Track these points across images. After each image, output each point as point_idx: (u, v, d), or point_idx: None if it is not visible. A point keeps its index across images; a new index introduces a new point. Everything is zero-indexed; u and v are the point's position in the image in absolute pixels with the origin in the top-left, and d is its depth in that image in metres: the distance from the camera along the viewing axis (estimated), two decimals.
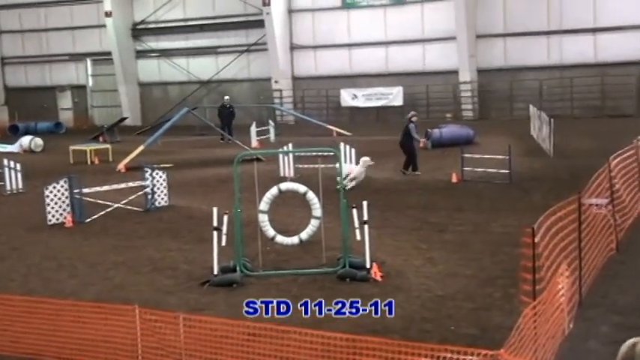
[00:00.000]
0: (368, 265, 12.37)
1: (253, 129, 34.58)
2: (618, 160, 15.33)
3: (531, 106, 34.94)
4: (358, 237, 12.60)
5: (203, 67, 50.94)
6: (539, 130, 29.66)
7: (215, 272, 12.47)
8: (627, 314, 10.18)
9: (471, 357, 6.56)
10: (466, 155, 22.84)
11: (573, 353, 8.86)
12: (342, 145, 23.14)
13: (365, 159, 21.37)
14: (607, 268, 12.26)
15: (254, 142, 33.91)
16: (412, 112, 25.04)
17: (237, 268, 12.58)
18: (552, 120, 26.20)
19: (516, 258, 11.40)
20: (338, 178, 14.50)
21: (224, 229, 12.48)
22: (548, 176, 22.01)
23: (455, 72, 43.72)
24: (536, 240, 8.66)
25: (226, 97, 40.31)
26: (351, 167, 21.59)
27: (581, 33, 41.15)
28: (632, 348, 3.99)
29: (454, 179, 21.81)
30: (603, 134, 31.07)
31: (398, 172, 24.22)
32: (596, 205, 12.74)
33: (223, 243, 12.49)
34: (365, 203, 12.52)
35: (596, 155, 23.73)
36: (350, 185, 20.64)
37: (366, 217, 12.46)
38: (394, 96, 45.52)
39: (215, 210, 12.55)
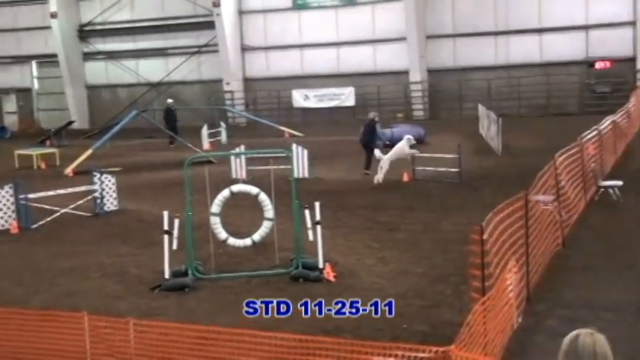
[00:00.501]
0: (321, 266, 12.40)
1: (204, 131, 34.36)
2: (563, 157, 15.65)
3: (480, 106, 35.43)
4: (311, 237, 12.62)
5: (153, 69, 50.43)
6: (488, 129, 30.09)
7: (166, 276, 12.38)
8: (573, 307, 10.40)
9: (422, 354, 6.62)
10: (417, 154, 23.02)
11: (521, 347, 9.02)
12: (294, 146, 23.15)
13: (408, 136, 22.51)
14: (553, 263, 12.50)
15: (205, 145, 33.69)
16: (374, 113, 25.45)
17: (189, 272, 12.51)
18: (500, 119, 26.60)
19: (466, 255, 11.52)
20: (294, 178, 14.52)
21: (175, 232, 12.38)
22: (497, 174, 22.34)
23: (406, 72, 44.07)
24: (485, 237, 8.79)
25: (170, 100, 39.87)
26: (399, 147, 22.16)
27: (527, 33, 41.87)
28: (575, 340, 4.08)
29: (405, 178, 21.98)
30: (549, 132, 31.65)
31: (350, 172, 24.32)
32: (543, 201, 12.97)
33: (174, 247, 12.41)
34: (317, 204, 12.54)
35: (543, 153, 24.03)
36: (384, 169, 21.61)
37: (318, 218, 12.49)
38: (346, 96, 45.69)
39: (166, 213, 12.44)
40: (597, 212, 16.46)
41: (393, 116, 43.51)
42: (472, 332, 7.28)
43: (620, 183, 17.38)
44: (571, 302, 10.64)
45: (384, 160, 21.80)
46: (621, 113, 25.74)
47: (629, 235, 14.39)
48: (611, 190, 17.18)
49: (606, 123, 22.08)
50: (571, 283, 11.53)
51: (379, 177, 21.56)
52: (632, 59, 40.08)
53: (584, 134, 18.43)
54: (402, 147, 22.28)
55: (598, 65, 40.43)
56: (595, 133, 19.84)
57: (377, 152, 22.23)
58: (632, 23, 39.78)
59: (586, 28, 40.74)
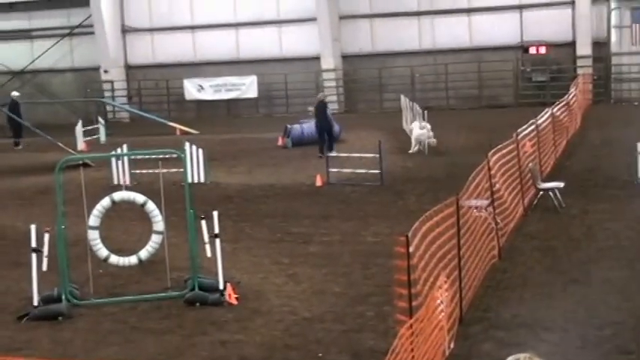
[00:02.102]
0: (221, 286, 12.34)
1: (79, 129, 33.66)
2: (498, 156, 16.04)
3: (403, 97, 35.93)
4: (209, 253, 12.53)
5: (15, 55, 49.02)
6: (412, 123, 30.52)
7: (35, 303, 12.08)
8: (510, 329, 10.66)
9: None
10: (332, 154, 23.16)
11: None
12: (187, 145, 22.95)
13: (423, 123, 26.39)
14: (489, 278, 12.79)
15: (80, 145, 33.01)
16: (322, 93, 30.42)
17: (63, 297, 12.24)
18: (426, 112, 27.05)
19: (390, 271, 11.66)
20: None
21: (45, 250, 12.10)
22: (423, 176, 22.72)
23: (317, 58, 44.30)
24: (411, 249, 8.90)
25: (15, 93, 38.80)
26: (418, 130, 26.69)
27: (455, 14, 42.77)
28: None
29: (318, 182, 22.11)
30: (481, 127, 32.39)
31: (254, 175, 24.32)
32: (476, 207, 13.25)
33: (44, 267, 12.13)
34: (215, 213, 12.46)
35: (475, 151, 24.68)
36: (413, 149, 26.69)
37: (217, 230, 12.41)
38: (247, 86, 45.58)
39: (33, 227, 12.13)
40: (537, 219, 16.93)
41: (303, 110, 43.53)
42: None
43: (561, 185, 17.93)
44: (509, 323, 10.90)
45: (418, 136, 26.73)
46: (560, 105, 26.59)
47: (573, 244, 14.86)
48: (551, 193, 17.70)
49: (545, 116, 22.76)
50: (509, 300, 11.81)
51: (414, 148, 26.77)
52: (571, 44, 41.46)
53: (520, 129, 18.94)
54: (419, 133, 26.53)
55: (533, 50, 41.64)
56: (532, 127, 20.42)
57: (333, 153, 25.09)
58: (571, 3, 41.17)
59: (520, 8, 41.92)
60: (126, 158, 23.12)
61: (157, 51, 47.54)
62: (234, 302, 12.22)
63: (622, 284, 12.35)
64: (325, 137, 27.05)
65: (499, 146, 16.51)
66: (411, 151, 26.93)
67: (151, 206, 12.68)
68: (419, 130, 27.14)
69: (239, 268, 14.05)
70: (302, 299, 12.34)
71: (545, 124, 22.47)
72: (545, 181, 19.05)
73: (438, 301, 9.32)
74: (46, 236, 12.13)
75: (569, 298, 11.86)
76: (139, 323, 11.63)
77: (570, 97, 29.42)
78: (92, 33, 46.97)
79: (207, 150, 23.82)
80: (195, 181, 22.62)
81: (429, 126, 26.98)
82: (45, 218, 16.58)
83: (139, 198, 12.75)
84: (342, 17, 44.26)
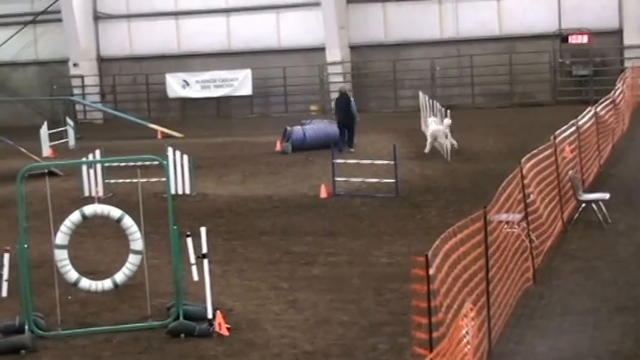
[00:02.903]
0: (210, 315, 12.33)
1: (44, 131, 33.74)
2: (532, 162, 16.03)
3: (421, 94, 35.95)
4: (195, 276, 12.54)
5: None
6: (429, 118, 30.53)
7: None
8: None
9: None
10: (338, 161, 23.21)
11: None
12: (170, 150, 22.99)
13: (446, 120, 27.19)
14: (522, 305, 12.77)
15: (46, 150, 33.08)
16: (344, 85, 34.21)
17: (26, 328, 12.22)
18: (449, 111, 27.08)
19: (407, 297, 11.68)
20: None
21: (4, 272, 12.13)
22: (446, 186, 22.72)
23: (321, 49, 44.35)
24: (431, 272, 8.90)
25: None
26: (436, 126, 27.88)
27: None
28: None
29: (323, 194, 22.12)
30: (513, 129, 32.39)
31: (248, 185, 24.35)
32: (507, 222, 13.25)
33: (4, 293, 12.22)
34: (203, 230, 12.47)
35: (505, 157, 24.76)
36: (428, 148, 27.81)
37: (205, 249, 12.42)
38: (240, 82, 45.63)
39: None
40: (578, 236, 16.92)
41: (305, 109, 43.71)
42: None
43: (606, 196, 17.92)
44: (545, 357, 10.88)
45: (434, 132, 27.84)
46: (605, 103, 26.59)
47: (620, 265, 14.85)
48: (595, 206, 17.69)
49: (587, 116, 22.76)
50: (545, 330, 11.80)
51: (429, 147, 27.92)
52: (618, 32, 41.49)
53: (558, 131, 18.94)
54: (435, 129, 27.69)
55: (573, 39, 41.64)
56: (573, 129, 20.42)
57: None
58: None
59: None
60: (99, 166, 23.14)
61: (134, 41, 47.61)
62: (225, 333, 12.19)
63: None
64: (345, 133, 29.56)
65: (534, 151, 16.51)
66: (426, 150, 27.74)
67: (128, 222, 12.67)
68: (435, 125, 27.94)
69: (230, 294, 14.03)
70: (304, 330, 12.32)
71: (587, 126, 22.47)
72: (587, 191, 19.03)
73: (463, 332, 9.32)
74: (6, 257, 12.17)
75: (615, 328, 11.83)
76: (113, 358, 11.61)
77: (617, 93, 29.41)
78: (59, 20, 47.07)
79: (193, 156, 23.83)
80: (180, 192, 22.63)
81: (448, 121, 27.18)
82: (4, 236, 16.63)
83: (114, 212, 12.74)
84: (349, 1, 44.33)
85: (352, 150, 28.71)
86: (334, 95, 44.31)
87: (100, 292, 13.05)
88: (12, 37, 48.23)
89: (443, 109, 27.67)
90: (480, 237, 10.92)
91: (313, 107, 44.30)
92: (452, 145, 27.22)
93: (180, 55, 46.81)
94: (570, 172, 18.23)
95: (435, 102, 30.58)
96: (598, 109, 24.72)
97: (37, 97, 46.33)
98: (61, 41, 47.40)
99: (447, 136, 27.14)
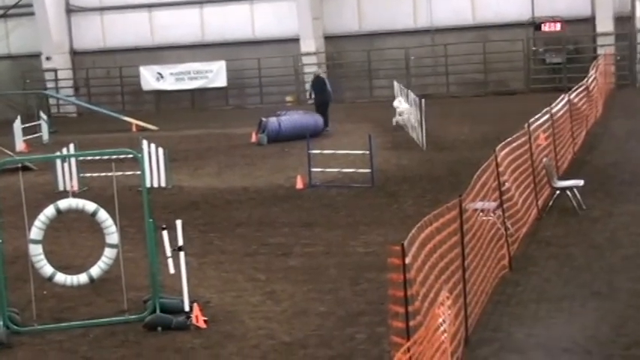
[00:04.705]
0: (187, 308, 12.32)
1: (17, 126, 33.53)
2: (507, 150, 16.08)
3: (396, 83, 36.01)
4: (171, 269, 12.51)
5: None
6: (407, 114, 30.61)
7: None
8: (524, 351, 10.70)
9: None
10: (314, 152, 23.20)
11: None
12: (144, 143, 22.91)
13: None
14: (499, 292, 12.82)
15: (19, 145, 32.90)
16: (318, 69, 36.68)
17: (1, 323, 12.15)
18: (423, 101, 27.13)
19: (384, 286, 11.69)
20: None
21: None
22: (421, 175, 22.76)
23: (295, 40, 44.31)
24: (408, 261, 8.92)
25: None
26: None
27: None
28: None
29: (299, 184, 22.11)
30: (487, 117, 32.51)
31: (224, 177, 24.32)
32: (483, 210, 13.29)
33: None
34: (179, 222, 12.44)
35: (480, 145, 24.86)
36: (397, 119, 31.34)
37: (181, 242, 12.39)
38: (215, 74, 45.53)
39: None
40: (553, 222, 17.01)
41: (281, 100, 43.69)
42: None
43: (580, 183, 18.01)
44: (522, 343, 10.94)
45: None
46: (579, 90, 26.72)
47: (595, 252, 14.93)
48: (569, 193, 17.77)
49: (560, 104, 22.86)
50: (522, 317, 11.86)
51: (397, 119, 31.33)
52: (590, 19, 41.68)
53: (532, 119, 19.00)
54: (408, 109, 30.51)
55: (546, 27, 41.80)
56: (547, 117, 20.50)
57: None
58: None
59: None
60: (73, 160, 23.03)
61: (108, 34, 47.40)
62: (203, 325, 12.18)
63: None
64: (325, 112, 31.92)
65: (508, 139, 16.56)
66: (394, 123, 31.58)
67: (102, 215, 12.63)
68: (405, 104, 31.29)
69: (207, 286, 14.02)
70: (281, 321, 12.33)
71: (561, 113, 22.56)
72: (562, 178, 19.12)
73: (440, 320, 9.35)
74: None
75: (591, 313, 11.91)
76: (90, 352, 11.58)
77: (590, 80, 29.56)
78: (31, 14, 46.78)
79: (168, 149, 23.76)
80: (155, 185, 22.56)
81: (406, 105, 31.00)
82: None
83: (89, 206, 12.69)
84: None
85: (328, 129, 31.14)
86: (308, 86, 44.61)
87: (75, 287, 13.01)
88: None
89: (418, 99, 27.69)
90: (456, 225, 10.95)
91: (289, 98, 44.26)
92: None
93: (154, 47, 46.65)
94: (545, 159, 18.31)
95: (409, 91, 30.63)
96: (572, 96, 24.83)
97: (10, 91, 46.03)
98: (33, 35, 47.10)
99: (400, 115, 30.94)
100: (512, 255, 14.29)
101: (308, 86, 44.23)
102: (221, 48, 45.50)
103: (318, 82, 33.31)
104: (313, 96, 33.41)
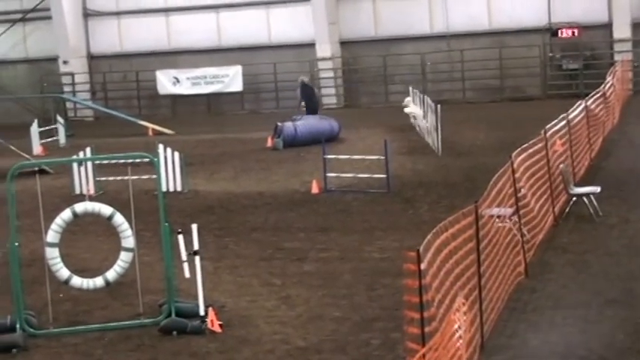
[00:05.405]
0: (202, 312, 12.33)
1: (35, 129, 33.67)
2: (523, 156, 16.05)
3: (412, 89, 35.97)
4: (187, 273, 12.52)
5: None
6: (423, 120, 30.58)
7: None
8: (541, 357, 10.67)
9: None
10: (330, 157, 23.20)
11: None
12: (161, 147, 22.94)
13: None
14: (514, 299, 12.79)
15: (36, 148, 33.02)
16: (303, 77, 35.60)
17: (17, 326, 12.21)
18: (439, 106, 27.09)
19: (399, 292, 11.67)
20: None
21: None
22: (437, 181, 22.72)
23: (311, 45, 44.32)
24: (423, 267, 8.90)
25: None
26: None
27: None
28: None
29: (314, 189, 22.11)
30: (504, 123, 32.41)
31: (239, 181, 24.35)
32: (499, 216, 13.26)
33: None
34: (194, 227, 12.46)
35: (496, 151, 24.77)
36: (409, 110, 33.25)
37: (196, 246, 12.41)
38: (231, 79, 45.60)
39: None
40: (569, 229, 16.95)
41: (296, 105, 43.61)
42: None
43: (597, 190, 17.95)
44: (538, 351, 10.90)
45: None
46: (595, 97, 26.64)
47: (612, 259, 14.86)
48: (586, 200, 17.72)
49: (577, 110, 22.79)
50: (537, 324, 11.82)
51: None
52: (607, 25, 41.53)
53: (549, 125, 18.95)
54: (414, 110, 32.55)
55: (563, 33, 41.68)
56: (563, 123, 20.44)
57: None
58: None
59: None
60: (89, 163, 23.11)
61: (124, 38, 47.53)
62: (218, 330, 12.19)
63: None
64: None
65: (524, 145, 16.53)
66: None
67: (119, 219, 12.66)
68: (413, 106, 33.03)
69: (223, 291, 14.03)
70: (296, 325, 12.32)
71: (577, 119, 22.50)
72: (578, 185, 19.06)
73: (455, 326, 9.33)
74: None
75: (607, 321, 11.86)
76: (105, 356, 11.61)
77: (607, 87, 29.47)
78: (49, 18, 46.95)
79: (184, 153, 23.81)
80: (171, 189, 22.60)
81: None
82: None
83: (105, 210, 12.72)
84: None
85: None
86: (325, 91, 44.65)
87: (91, 290, 13.03)
88: (1, 35, 48.11)
89: (433, 104, 27.64)
90: (472, 231, 10.93)
91: (304, 103, 44.17)
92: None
93: (171, 51, 46.73)
94: (561, 165, 18.26)
95: (425, 97, 30.59)
96: (588, 102, 24.76)
97: (27, 94, 46.18)
98: (50, 39, 47.28)
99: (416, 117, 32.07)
100: (528, 261, 14.26)
101: (324, 93, 44.73)
102: (237, 53, 45.55)
103: (305, 89, 34.01)
104: (303, 103, 34.02)
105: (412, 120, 33.21)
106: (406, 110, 33.65)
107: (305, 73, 40.46)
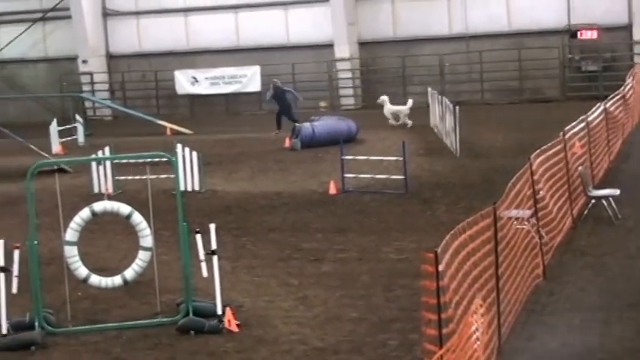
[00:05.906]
0: (219, 311, 12.36)
1: (54, 128, 33.80)
2: (542, 158, 16.01)
3: (430, 90, 35.93)
4: (205, 273, 12.56)
5: None
6: (442, 120, 30.54)
7: (4, 331, 12.14)
8: None
9: None
10: (347, 157, 23.20)
11: None
12: (179, 147, 23.00)
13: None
14: (532, 301, 12.76)
15: (55, 147, 33.15)
16: (275, 80, 36.52)
17: (36, 324, 12.27)
18: (458, 107, 27.05)
19: (417, 293, 11.68)
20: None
21: (15, 269, 12.14)
22: (455, 182, 22.69)
23: (329, 45, 44.31)
24: (441, 268, 8.90)
25: None
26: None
27: None
28: None
29: (332, 190, 22.11)
30: (522, 125, 32.31)
31: (257, 181, 24.39)
32: (517, 218, 13.23)
33: (14, 289, 12.18)
34: (212, 226, 12.49)
35: (515, 153, 24.72)
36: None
37: (214, 246, 12.44)
38: (249, 79, 45.64)
39: (1, 243, 12.19)
40: (588, 232, 16.89)
41: (315, 105, 43.66)
42: None
43: (616, 192, 17.88)
44: (556, 354, 10.87)
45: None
46: (615, 99, 26.54)
47: (631, 262, 14.81)
48: (605, 202, 17.66)
49: (596, 112, 22.71)
50: (555, 327, 11.79)
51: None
52: (627, 27, 41.36)
53: (568, 127, 18.90)
54: (397, 109, 33.94)
55: (582, 35, 41.53)
56: (582, 125, 20.38)
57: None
58: None
59: None
60: (108, 162, 23.19)
61: (143, 38, 47.65)
62: (235, 329, 12.22)
63: None
64: (291, 117, 34.18)
65: (543, 147, 16.49)
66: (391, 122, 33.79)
67: (137, 218, 12.70)
68: (397, 106, 34.37)
69: (240, 290, 14.05)
70: (314, 326, 12.33)
71: (597, 121, 22.41)
72: (597, 187, 19.00)
73: (473, 328, 9.32)
74: (16, 253, 12.17)
75: (626, 324, 11.81)
76: (123, 354, 11.65)
77: (626, 89, 29.35)
78: (68, 17, 47.12)
79: (202, 153, 23.85)
80: (189, 189, 22.64)
81: (410, 103, 34.00)
82: (14, 232, 16.66)
83: (124, 209, 12.77)
84: None
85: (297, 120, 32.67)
86: (343, 92, 44.68)
87: (109, 289, 13.09)
88: (21, 34, 48.30)
89: (452, 105, 27.60)
90: (490, 233, 10.91)
91: (322, 104, 44.25)
92: (406, 124, 33.33)
93: (189, 51, 46.81)
94: (580, 167, 18.21)
95: (444, 98, 30.55)
96: (608, 104, 24.67)
97: (47, 94, 46.38)
98: (70, 38, 47.47)
99: (406, 117, 33.41)
100: (547, 264, 14.22)
101: (342, 94, 44.73)
102: (255, 53, 45.59)
103: (277, 93, 35.27)
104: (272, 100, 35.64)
105: (392, 122, 33.92)
106: (385, 111, 34.36)
107: (278, 76, 40.38)
